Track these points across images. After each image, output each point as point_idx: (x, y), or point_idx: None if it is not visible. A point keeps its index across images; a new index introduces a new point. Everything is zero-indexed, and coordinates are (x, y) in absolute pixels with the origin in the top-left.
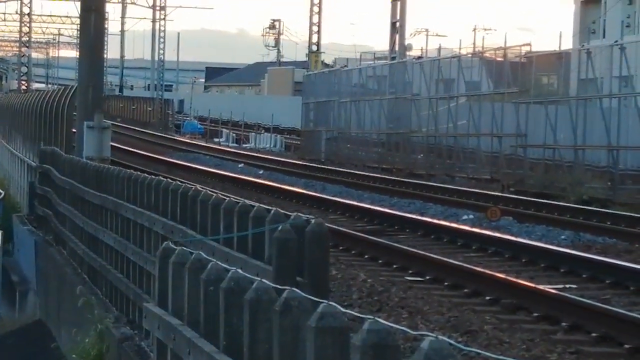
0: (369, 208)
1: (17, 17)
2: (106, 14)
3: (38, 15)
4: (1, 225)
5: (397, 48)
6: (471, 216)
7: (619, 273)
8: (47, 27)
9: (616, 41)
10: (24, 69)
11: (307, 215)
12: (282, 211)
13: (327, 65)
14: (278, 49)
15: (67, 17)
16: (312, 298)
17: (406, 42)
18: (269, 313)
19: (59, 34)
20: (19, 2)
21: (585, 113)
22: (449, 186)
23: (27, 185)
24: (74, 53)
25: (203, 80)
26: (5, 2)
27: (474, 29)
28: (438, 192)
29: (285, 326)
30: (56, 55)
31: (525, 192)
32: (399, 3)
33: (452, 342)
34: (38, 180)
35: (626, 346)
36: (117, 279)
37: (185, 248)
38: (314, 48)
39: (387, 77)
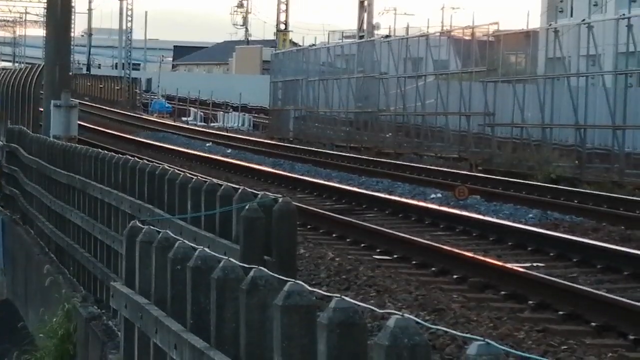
0: (337, 187)
1: None
2: None
3: None
4: None
5: (365, 27)
6: (439, 195)
7: (586, 251)
8: (13, 5)
9: (583, 20)
10: None
11: (275, 194)
12: (249, 190)
13: (295, 44)
14: (246, 28)
15: None
16: (279, 277)
17: (374, 21)
18: (235, 292)
19: (26, 12)
20: None
21: (553, 92)
22: (417, 165)
23: None
24: (41, 31)
25: (171, 59)
26: None
27: (442, 8)
28: (406, 170)
29: (252, 305)
30: (23, 33)
31: (493, 170)
32: None
33: (418, 320)
34: (5, 159)
35: (593, 324)
36: (85, 258)
37: (152, 227)
38: (282, 27)
39: (355, 56)
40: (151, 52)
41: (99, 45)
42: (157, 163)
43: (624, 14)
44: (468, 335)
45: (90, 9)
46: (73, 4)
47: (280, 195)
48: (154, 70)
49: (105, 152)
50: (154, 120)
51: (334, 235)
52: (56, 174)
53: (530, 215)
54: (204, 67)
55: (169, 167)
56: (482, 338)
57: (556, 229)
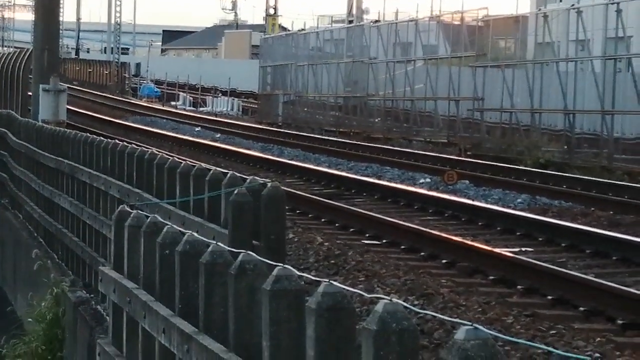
0: (326, 171)
1: None
2: None
3: None
4: None
5: (354, 11)
6: (428, 180)
7: (575, 236)
8: None
9: (573, 5)
10: None
11: (264, 179)
12: (238, 175)
13: (284, 29)
14: (235, 12)
15: None
16: (267, 261)
17: (363, 6)
18: (224, 276)
19: None
20: None
21: (542, 77)
22: (406, 150)
23: None
24: (30, 15)
25: (160, 43)
26: None
27: None
28: (395, 155)
29: (240, 289)
30: (11, 17)
31: (482, 155)
32: None
33: (406, 304)
34: None
35: (581, 309)
36: (73, 242)
37: (141, 211)
38: (271, 11)
39: (345, 40)
40: (140, 36)
41: (88, 29)
42: (146, 147)
43: None
44: (456, 320)
45: None
46: None
47: (269, 180)
48: (143, 54)
49: (94, 136)
50: (143, 105)
51: (323, 220)
52: (45, 159)
53: (519, 200)
54: (193, 51)
55: (158, 151)
56: (470, 323)
57: (545, 213)
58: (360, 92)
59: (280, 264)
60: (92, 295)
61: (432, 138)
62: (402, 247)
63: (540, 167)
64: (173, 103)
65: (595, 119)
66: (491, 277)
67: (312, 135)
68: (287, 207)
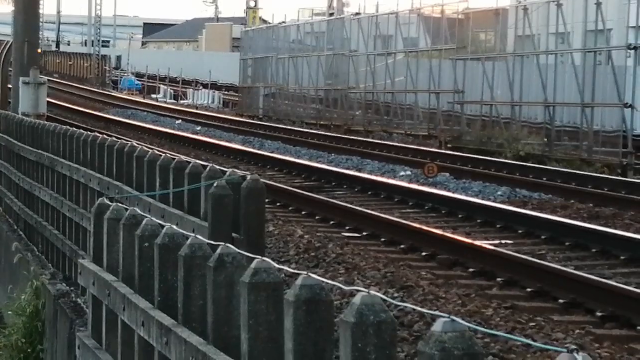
0: (307, 164)
1: None
2: None
3: None
4: None
5: (335, 4)
6: (408, 172)
7: (555, 228)
8: None
9: None
10: None
11: (244, 172)
12: (218, 167)
13: (264, 21)
14: (216, 5)
15: None
16: (246, 254)
17: None
18: (203, 269)
19: None
20: None
21: (522, 69)
22: (387, 142)
23: None
24: (9, 8)
25: (140, 36)
26: None
27: None
28: (375, 148)
29: (219, 282)
30: None
31: (463, 148)
32: None
33: (384, 297)
34: None
35: (560, 301)
36: (53, 235)
37: (120, 204)
38: (252, 4)
39: (325, 33)
40: (121, 29)
41: (69, 22)
42: (126, 140)
43: None
44: (435, 312)
45: None
46: None
47: (249, 173)
48: (124, 47)
49: (74, 129)
50: (124, 98)
51: (303, 212)
52: (25, 151)
53: (499, 193)
54: (174, 44)
55: (138, 144)
56: (447, 315)
57: (525, 206)
58: (341, 85)
59: (258, 257)
60: (72, 288)
61: (413, 131)
62: (382, 239)
63: (520, 159)
64: (154, 96)
65: (575, 111)
66: (471, 270)
67: (292, 128)
68: (267, 200)
